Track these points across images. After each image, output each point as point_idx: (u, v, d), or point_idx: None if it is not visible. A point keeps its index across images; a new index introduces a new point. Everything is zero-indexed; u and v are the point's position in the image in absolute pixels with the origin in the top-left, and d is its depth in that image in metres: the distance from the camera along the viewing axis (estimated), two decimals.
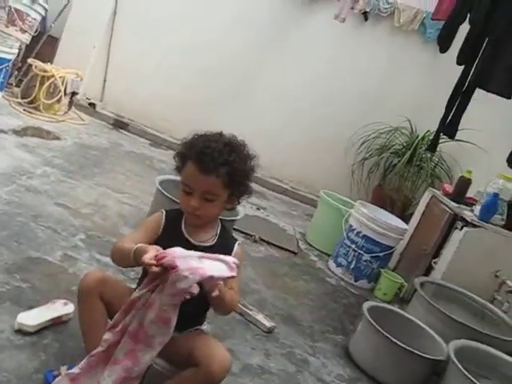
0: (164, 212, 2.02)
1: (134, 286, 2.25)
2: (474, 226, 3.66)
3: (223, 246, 1.98)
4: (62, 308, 2.24)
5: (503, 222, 3.74)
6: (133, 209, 3.76)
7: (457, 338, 2.88)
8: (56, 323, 2.18)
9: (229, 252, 1.97)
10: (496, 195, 3.64)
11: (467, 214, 3.76)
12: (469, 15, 3.90)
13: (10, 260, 2.51)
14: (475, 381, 2.48)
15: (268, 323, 2.87)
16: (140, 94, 6.12)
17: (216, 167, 1.84)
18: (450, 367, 2.68)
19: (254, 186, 2.01)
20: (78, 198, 3.56)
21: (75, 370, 1.77)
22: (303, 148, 6.18)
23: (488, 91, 3.67)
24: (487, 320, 3.45)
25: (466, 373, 2.52)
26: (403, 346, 2.69)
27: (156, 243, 1.88)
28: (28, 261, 2.57)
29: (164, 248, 1.72)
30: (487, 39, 3.73)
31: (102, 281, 1.99)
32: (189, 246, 1.90)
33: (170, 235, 1.96)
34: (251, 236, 4.07)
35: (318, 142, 6.16)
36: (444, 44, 4.11)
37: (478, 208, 3.77)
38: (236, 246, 2.03)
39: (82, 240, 3.01)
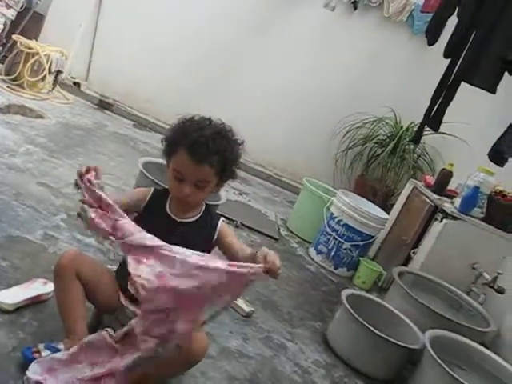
0: (152, 189, 2.05)
1: (113, 267, 2.26)
2: (454, 218, 3.70)
3: (206, 222, 2.02)
4: (42, 287, 2.23)
5: (482, 215, 3.78)
6: (115, 190, 3.74)
7: (433, 328, 2.92)
8: (35, 302, 2.18)
9: (213, 227, 2.02)
10: (476, 188, 3.68)
11: (447, 206, 3.80)
12: (457, 9, 3.93)
13: None
14: (449, 370, 2.52)
15: (247, 308, 2.89)
16: (126, 75, 6.07)
17: (209, 156, 1.85)
18: (425, 356, 2.72)
19: (237, 170, 2.02)
20: (60, 178, 3.54)
21: (54, 359, 1.78)
22: (288, 135, 6.19)
23: (473, 85, 3.70)
24: (463, 311, 3.50)
25: (441, 362, 2.56)
26: (380, 333, 2.73)
27: (139, 219, 1.91)
28: (8, 239, 2.55)
29: (146, 224, 1.76)
30: (474, 33, 3.75)
31: (78, 260, 2.00)
32: (171, 222, 1.97)
33: (153, 211, 2.00)
34: (233, 221, 4.08)
35: (303, 130, 6.17)
36: (432, 37, 4.13)
37: (458, 200, 3.80)
38: (220, 221, 2.06)
39: (63, 220, 2.99)
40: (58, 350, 1.86)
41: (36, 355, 1.83)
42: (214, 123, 1.94)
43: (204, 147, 1.83)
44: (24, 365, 1.83)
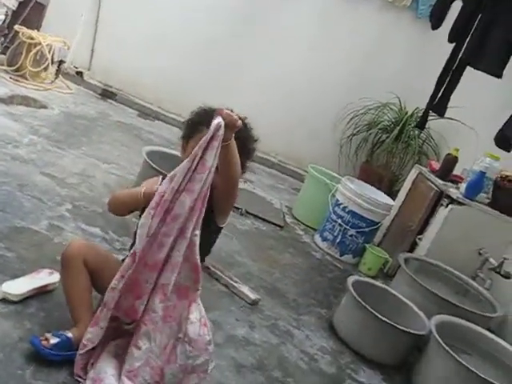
0: (161, 177, 2.08)
1: (119, 256, 2.26)
2: (460, 203, 3.68)
3: None
4: (48, 277, 2.24)
5: (488, 201, 3.77)
6: (119, 179, 3.74)
7: (439, 314, 2.92)
8: (41, 292, 2.19)
9: None
10: (482, 173, 3.66)
11: (453, 191, 3.78)
12: None
13: None
14: (455, 355, 2.52)
15: (253, 295, 2.90)
16: (129, 64, 6.03)
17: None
18: (432, 342, 2.72)
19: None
20: (64, 168, 3.54)
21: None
22: (292, 122, 6.16)
23: (479, 69, 3.67)
24: (469, 296, 3.50)
25: (447, 347, 2.56)
26: (386, 320, 2.73)
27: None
28: (13, 230, 2.56)
29: None
30: (479, 17, 3.72)
31: (86, 248, 2.03)
32: None
33: None
34: (238, 209, 4.07)
35: (307, 117, 6.14)
36: (436, 21, 4.09)
37: (463, 186, 3.79)
38: None
39: (68, 210, 3.00)
40: (67, 338, 1.87)
41: (44, 343, 1.84)
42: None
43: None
44: (31, 355, 1.84)
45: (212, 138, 1.78)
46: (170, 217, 1.81)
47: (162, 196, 1.82)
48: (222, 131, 1.78)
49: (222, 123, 1.77)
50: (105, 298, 1.86)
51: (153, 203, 1.83)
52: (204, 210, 1.85)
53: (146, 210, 1.84)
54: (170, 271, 1.84)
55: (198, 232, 1.86)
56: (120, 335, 1.95)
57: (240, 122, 1.84)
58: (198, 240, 1.87)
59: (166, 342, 1.85)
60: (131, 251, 1.86)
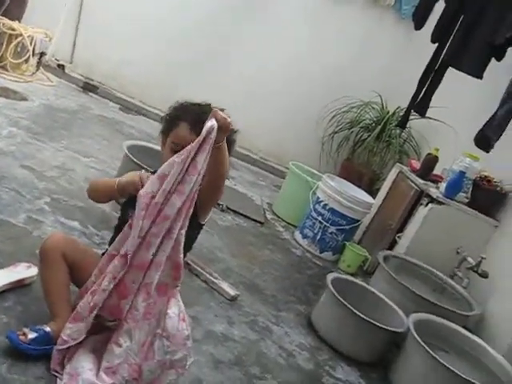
0: (143, 171, 2.08)
1: (99, 251, 2.25)
2: (439, 202, 3.71)
3: None
4: (25, 271, 2.22)
5: (467, 200, 3.81)
6: (100, 173, 3.71)
7: (417, 312, 2.95)
8: (18, 286, 2.16)
9: None
10: (462, 173, 3.69)
11: (433, 190, 3.82)
12: None
13: None
14: (432, 353, 2.55)
15: (232, 291, 2.90)
16: (111, 58, 5.99)
17: None
18: (409, 339, 2.75)
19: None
20: (44, 161, 3.50)
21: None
22: (274, 119, 6.16)
23: (460, 70, 3.70)
24: (447, 295, 3.54)
25: (424, 345, 2.58)
26: (364, 317, 2.74)
27: (128, 202, 1.95)
28: None
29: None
30: (462, 18, 3.75)
31: (65, 241, 2.02)
32: None
33: None
34: (218, 205, 4.06)
35: (290, 114, 6.14)
36: (419, 21, 4.12)
37: (443, 185, 3.82)
38: None
39: (46, 203, 2.97)
40: (45, 332, 1.86)
41: (22, 338, 1.82)
42: (212, 106, 2.04)
43: (203, 121, 1.86)
44: (7, 349, 1.82)
45: (204, 141, 1.78)
46: (159, 218, 1.81)
47: (151, 197, 1.81)
48: (214, 134, 1.78)
49: (215, 126, 1.78)
50: (94, 299, 1.84)
51: (142, 204, 1.81)
52: (192, 210, 1.86)
53: (136, 211, 1.83)
54: (154, 270, 1.83)
55: (183, 231, 1.86)
56: (98, 331, 1.93)
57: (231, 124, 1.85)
58: (183, 239, 1.87)
59: (145, 339, 1.85)
60: (122, 252, 1.84)
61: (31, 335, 1.83)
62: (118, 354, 1.81)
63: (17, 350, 1.81)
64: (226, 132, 1.84)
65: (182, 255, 1.89)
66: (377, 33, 5.99)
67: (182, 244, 1.88)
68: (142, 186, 1.87)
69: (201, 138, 1.78)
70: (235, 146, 2.17)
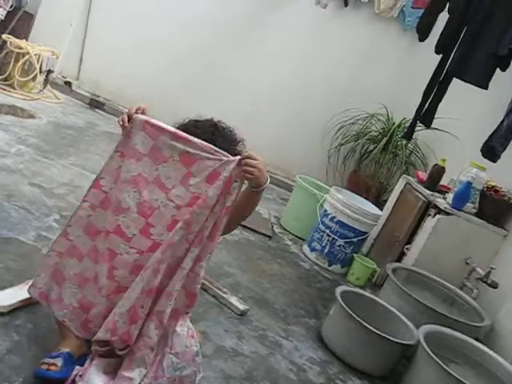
0: None
1: None
2: (447, 213, 3.71)
3: None
4: None
5: (475, 211, 3.80)
6: None
7: (427, 323, 2.93)
8: (29, 304, 2.17)
9: None
10: (469, 184, 3.68)
11: (440, 201, 3.81)
12: (448, 4, 3.93)
13: None
14: (443, 365, 2.53)
15: (241, 306, 2.89)
16: (117, 74, 6.04)
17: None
18: (420, 351, 2.73)
19: None
20: (52, 178, 3.53)
21: None
22: (280, 132, 6.17)
23: (465, 81, 3.71)
24: (456, 306, 3.52)
25: (435, 357, 2.57)
26: (374, 330, 2.73)
27: None
28: (0, 241, 2.54)
29: None
30: (465, 29, 3.76)
31: None
32: None
33: None
34: None
35: (295, 127, 6.16)
36: (423, 32, 4.14)
37: (450, 196, 3.81)
38: None
39: (55, 220, 2.98)
40: (68, 353, 1.86)
41: (53, 368, 1.81)
42: (213, 120, 2.10)
43: (193, 135, 1.92)
44: (19, 367, 1.82)
45: (216, 176, 1.85)
46: (165, 245, 1.84)
47: None
48: (227, 173, 1.83)
49: (231, 168, 1.85)
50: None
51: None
52: (207, 244, 1.89)
53: None
54: (164, 299, 1.84)
55: (202, 263, 1.88)
56: (111, 356, 1.93)
57: (256, 171, 1.87)
58: (201, 271, 1.89)
59: (154, 359, 1.85)
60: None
61: (59, 362, 1.82)
62: (130, 379, 1.81)
63: (53, 380, 1.79)
64: (251, 179, 1.88)
65: (198, 286, 1.89)
66: (381, 45, 6.02)
67: (201, 276, 1.89)
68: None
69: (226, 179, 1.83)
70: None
